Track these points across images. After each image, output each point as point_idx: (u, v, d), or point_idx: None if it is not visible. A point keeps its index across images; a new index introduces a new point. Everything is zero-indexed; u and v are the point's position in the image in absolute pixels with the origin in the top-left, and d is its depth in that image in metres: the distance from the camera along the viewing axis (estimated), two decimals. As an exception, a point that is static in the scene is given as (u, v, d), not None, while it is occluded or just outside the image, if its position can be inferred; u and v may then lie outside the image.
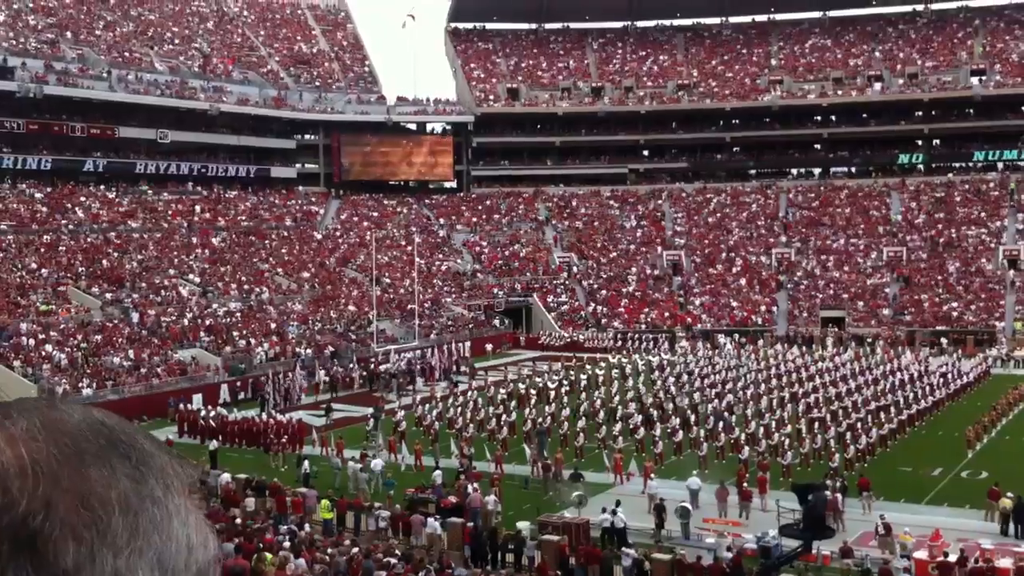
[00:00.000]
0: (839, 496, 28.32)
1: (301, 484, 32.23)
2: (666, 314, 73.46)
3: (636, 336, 68.34)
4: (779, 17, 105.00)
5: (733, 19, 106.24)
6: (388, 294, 69.68)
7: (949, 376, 49.41)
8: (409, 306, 65.32)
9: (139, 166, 78.31)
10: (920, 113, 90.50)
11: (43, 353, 47.47)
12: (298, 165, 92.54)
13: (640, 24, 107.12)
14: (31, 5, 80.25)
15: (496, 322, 72.09)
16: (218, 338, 54.73)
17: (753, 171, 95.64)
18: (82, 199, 71.65)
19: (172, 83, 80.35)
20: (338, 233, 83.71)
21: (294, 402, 48.70)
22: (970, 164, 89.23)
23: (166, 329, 54.28)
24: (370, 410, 42.58)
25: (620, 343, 66.66)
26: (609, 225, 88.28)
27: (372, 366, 55.14)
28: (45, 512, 1.03)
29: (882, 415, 39.40)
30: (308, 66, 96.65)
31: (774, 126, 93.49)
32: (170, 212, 75.06)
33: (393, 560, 23.04)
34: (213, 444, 37.74)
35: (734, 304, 73.92)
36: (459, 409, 42.42)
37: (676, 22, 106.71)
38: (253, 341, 55.38)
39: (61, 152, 74.00)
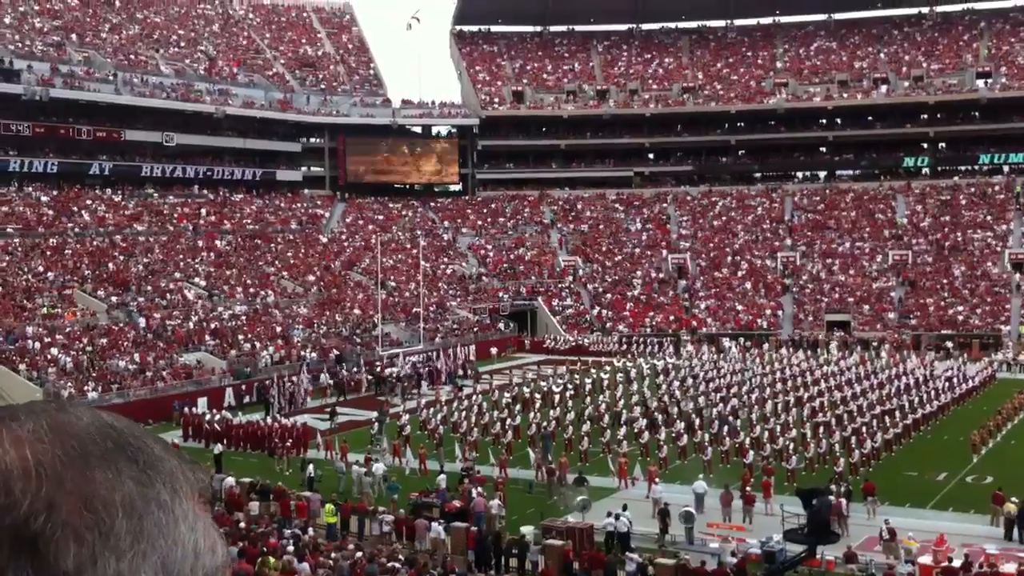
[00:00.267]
0: (844, 501, 28.28)
1: (305, 488, 32.26)
2: (671, 318, 73.42)
3: (641, 340, 68.30)
4: (784, 20, 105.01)
5: (738, 22, 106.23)
6: (393, 297, 69.72)
7: (954, 380, 49.29)
8: (414, 309, 65.33)
9: (145, 169, 78.47)
10: (926, 116, 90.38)
11: (49, 356, 47.54)
12: (303, 168, 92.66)
13: (645, 27, 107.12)
14: (37, 8, 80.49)
15: (501, 326, 72.08)
16: (223, 341, 54.79)
17: (758, 174, 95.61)
18: (88, 202, 71.78)
19: (178, 86, 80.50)
20: (343, 236, 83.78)
21: (299, 406, 48.73)
22: (976, 167, 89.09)
23: (171, 332, 54.34)
24: (374, 414, 42.58)
25: (625, 347, 66.65)
26: (614, 228, 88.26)
27: (378, 370, 55.17)
28: (47, 513, 1.02)
29: (887, 419, 39.35)
30: (313, 69, 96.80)
31: (779, 129, 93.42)
32: (176, 215, 75.17)
33: (397, 564, 23.05)
34: (218, 448, 37.80)
35: (739, 308, 73.86)
36: (464, 413, 42.41)
37: (681, 25, 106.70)
38: (258, 344, 55.43)
39: (67, 155, 74.17)
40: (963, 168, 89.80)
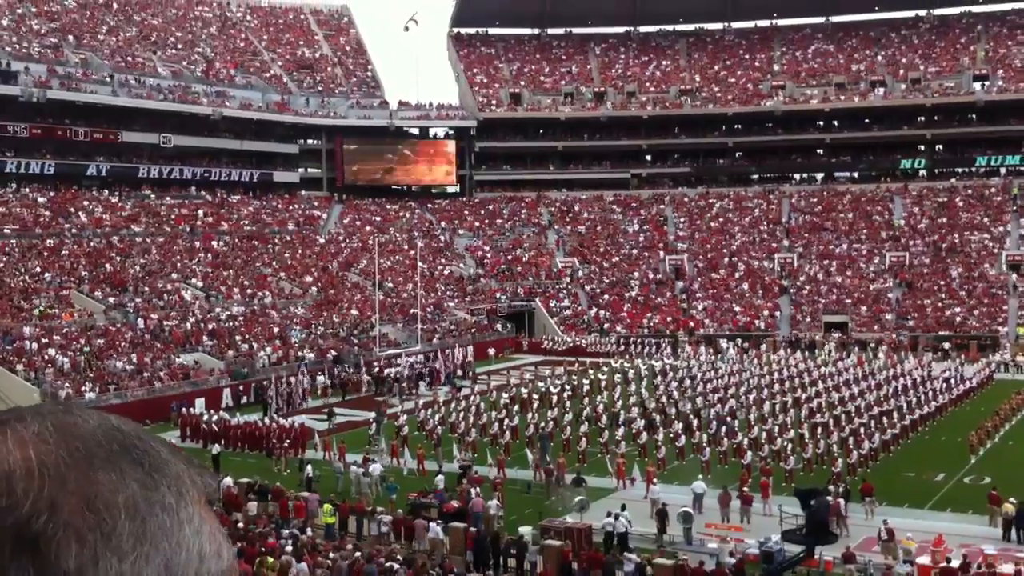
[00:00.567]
0: (842, 501, 28.29)
1: (303, 488, 32.23)
2: (669, 319, 73.45)
3: (639, 341, 68.33)
4: (781, 22, 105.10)
5: (736, 24, 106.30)
6: (391, 298, 69.69)
7: (952, 381, 49.34)
8: (412, 310, 65.33)
9: (142, 170, 78.42)
10: (923, 118, 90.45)
11: (46, 357, 47.50)
12: (301, 169, 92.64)
13: (643, 29, 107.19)
14: (34, 10, 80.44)
15: (499, 326, 72.07)
16: (221, 342, 54.75)
17: (756, 176, 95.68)
18: (85, 203, 71.72)
19: (175, 88, 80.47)
20: (341, 237, 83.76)
21: (297, 406, 48.72)
22: (973, 169, 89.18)
23: (169, 333, 54.30)
24: (372, 415, 42.54)
25: (623, 348, 66.67)
26: (612, 230, 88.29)
27: (376, 370, 55.17)
28: (49, 514, 1.02)
29: (885, 420, 39.37)
30: (311, 71, 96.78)
31: (776, 131, 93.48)
32: (173, 216, 75.11)
33: (395, 565, 23.03)
34: (216, 448, 37.79)
35: (737, 309, 73.90)
36: (461, 414, 42.40)
37: (678, 27, 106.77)
38: (256, 345, 55.40)
39: (64, 156, 74.10)
40: (960, 170, 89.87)
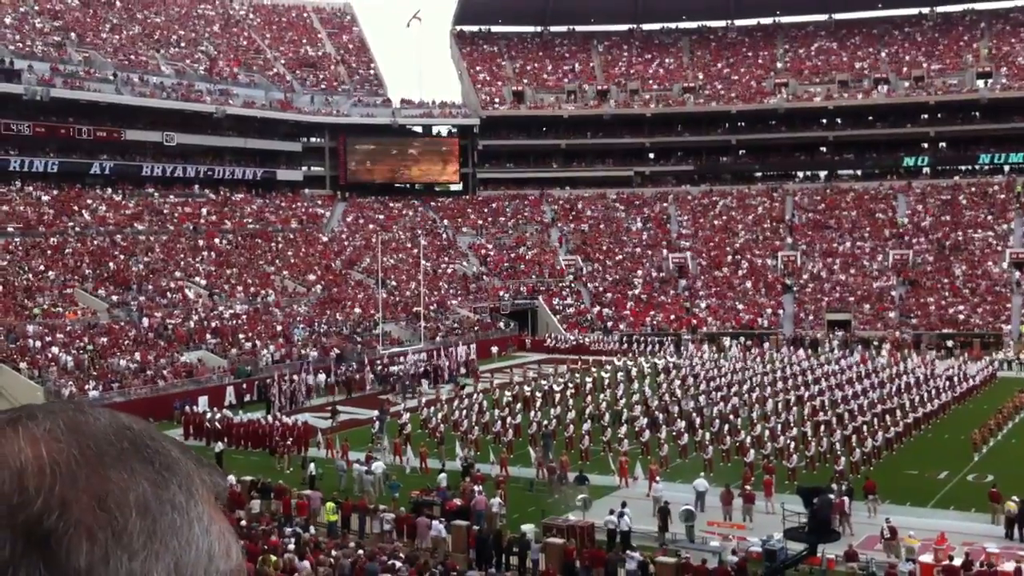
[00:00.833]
0: (846, 499, 28.29)
1: (306, 486, 32.28)
2: (672, 317, 73.42)
3: (642, 339, 68.31)
4: (785, 20, 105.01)
5: (739, 22, 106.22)
6: (394, 296, 69.72)
7: (955, 379, 49.29)
8: (415, 309, 65.35)
9: (145, 168, 78.49)
10: (926, 116, 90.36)
11: (49, 355, 47.57)
12: (304, 168, 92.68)
13: (645, 27, 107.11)
14: (37, 8, 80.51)
15: (501, 325, 72.09)
16: (224, 340, 54.81)
17: (759, 174, 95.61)
18: (88, 201, 71.79)
19: (178, 86, 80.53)
20: (344, 236, 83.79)
21: (300, 404, 48.77)
22: (976, 167, 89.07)
23: (172, 331, 54.36)
24: (375, 413, 42.59)
25: (626, 346, 66.66)
26: (615, 228, 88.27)
27: (380, 368, 55.22)
28: (60, 511, 1.03)
29: (888, 418, 39.36)
30: (314, 69, 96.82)
31: (780, 129, 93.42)
32: (176, 215, 75.18)
33: (398, 563, 23.06)
34: (219, 446, 37.85)
35: (740, 307, 73.85)
36: (464, 412, 42.42)
37: (681, 25, 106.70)
38: (259, 343, 55.44)
39: (68, 155, 74.18)
40: (963, 168, 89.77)
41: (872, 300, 72.57)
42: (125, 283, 59.85)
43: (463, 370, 58.23)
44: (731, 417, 40.26)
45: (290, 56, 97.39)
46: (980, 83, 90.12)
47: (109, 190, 74.83)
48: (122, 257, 64.25)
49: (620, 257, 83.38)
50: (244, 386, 50.20)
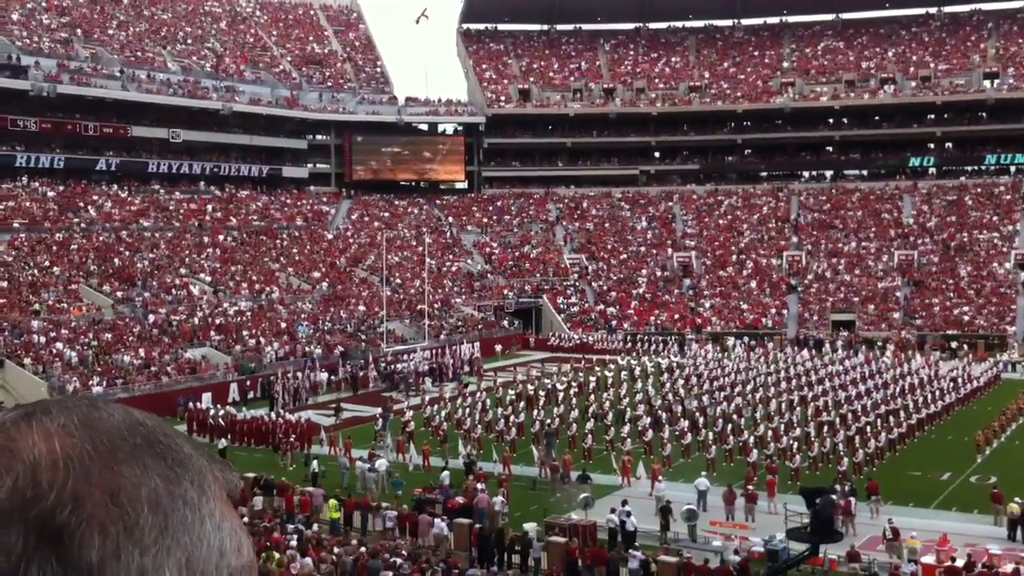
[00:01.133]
0: (852, 500, 28.28)
1: (309, 483, 32.33)
2: (676, 316, 73.39)
3: (645, 338, 68.26)
4: (792, 19, 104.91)
5: (745, 21, 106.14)
6: (398, 294, 69.78)
7: (959, 380, 49.22)
8: (419, 306, 65.39)
9: (151, 165, 78.62)
10: (932, 116, 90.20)
11: (54, 351, 47.66)
12: (309, 165, 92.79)
13: (652, 26, 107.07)
14: (45, 4, 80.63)
15: (506, 323, 72.12)
16: (228, 337, 54.88)
17: (764, 173, 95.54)
18: (94, 198, 71.93)
19: (185, 83, 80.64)
20: (349, 233, 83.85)
21: (303, 401, 48.84)
22: (982, 167, 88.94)
23: (176, 328, 54.45)
24: (379, 410, 42.65)
25: (629, 345, 66.62)
26: (620, 227, 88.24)
27: (384, 366, 55.26)
28: (73, 506, 1.03)
29: (891, 419, 39.33)
30: (320, 66, 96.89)
31: (786, 128, 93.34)
32: (182, 211, 75.30)
33: (399, 560, 23.09)
34: (222, 443, 37.91)
35: (744, 307, 73.80)
36: (467, 410, 42.45)
37: (688, 24, 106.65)
38: (263, 340, 55.50)
39: (74, 151, 74.31)
40: (969, 168, 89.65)
41: (877, 300, 72.48)
42: (130, 279, 59.95)
43: (467, 368, 58.28)
44: (734, 417, 40.24)
45: (296, 53, 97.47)
46: (987, 83, 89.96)
47: (115, 186, 74.97)
48: (127, 253, 64.36)
49: (625, 256, 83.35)
50: (248, 383, 50.25)
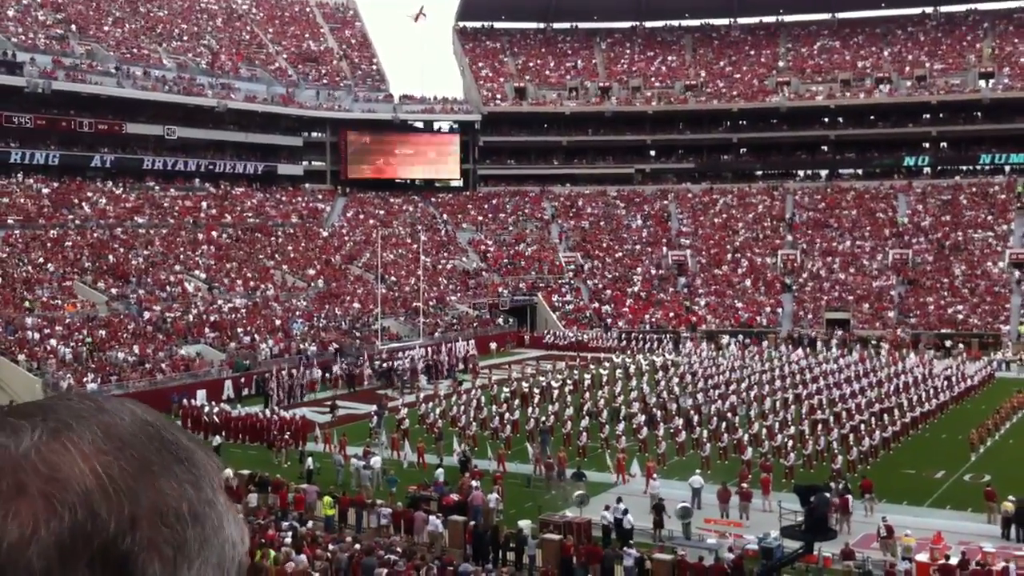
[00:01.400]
0: (850, 498, 28.33)
1: (304, 480, 32.32)
2: (671, 314, 73.43)
3: (640, 336, 68.31)
4: (787, 19, 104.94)
5: (741, 20, 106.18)
6: (393, 292, 69.72)
7: (953, 379, 49.33)
8: (414, 304, 65.37)
9: (146, 162, 78.51)
10: (928, 116, 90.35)
11: (48, 348, 47.58)
12: (305, 162, 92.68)
13: (648, 24, 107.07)
14: (40, 0, 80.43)
15: (500, 321, 72.13)
16: (223, 334, 54.81)
17: (760, 172, 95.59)
18: (89, 194, 71.83)
19: (180, 80, 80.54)
20: (344, 231, 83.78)
21: (298, 399, 48.83)
22: (977, 167, 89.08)
23: (171, 325, 54.38)
24: (374, 407, 42.64)
25: (624, 343, 66.65)
26: (615, 225, 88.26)
27: (378, 364, 55.24)
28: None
29: (886, 417, 39.41)
30: (316, 64, 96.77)
31: (781, 127, 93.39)
32: (177, 208, 75.20)
33: (394, 557, 23.08)
34: (217, 440, 37.85)
35: (739, 305, 73.86)
36: (462, 407, 42.46)
37: (684, 23, 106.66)
38: (258, 337, 55.45)
39: (69, 147, 74.21)
40: (964, 168, 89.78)
41: (871, 299, 72.56)
42: (124, 276, 59.87)
43: (461, 366, 58.30)
44: (729, 415, 40.28)
45: (292, 51, 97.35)
46: (982, 83, 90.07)
47: (110, 183, 74.87)
48: (122, 250, 64.27)
49: (620, 254, 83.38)
50: (242, 380, 50.19)
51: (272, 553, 22.90)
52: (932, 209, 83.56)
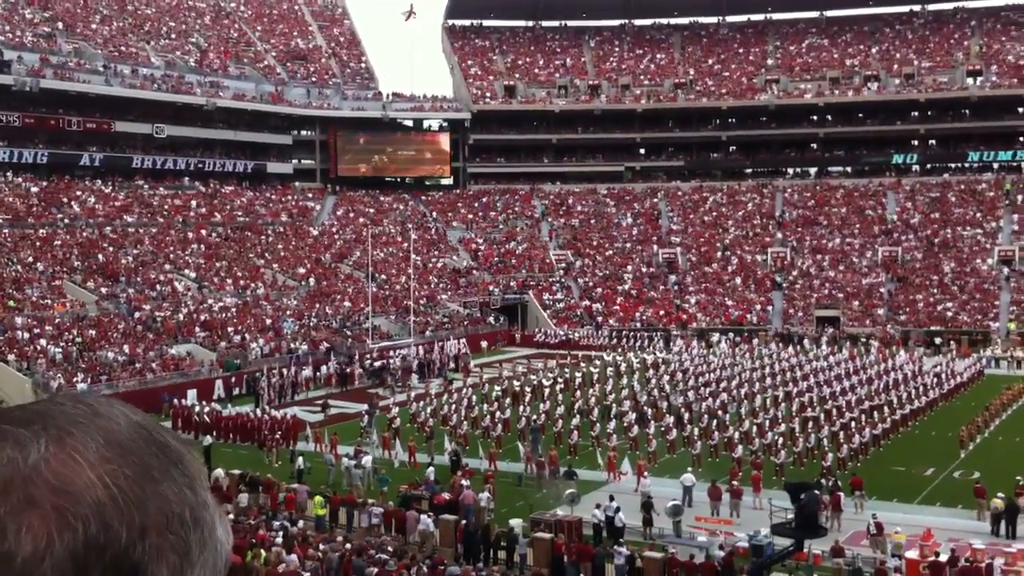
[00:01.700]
0: (841, 495, 28.41)
1: (295, 480, 32.28)
2: (661, 312, 73.52)
3: (631, 334, 68.37)
4: (776, 17, 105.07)
5: (730, 18, 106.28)
6: (384, 290, 69.68)
7: (943, 376, 49.49)
8: (405, 302, 65.33)
9: (135, 160, 78.29)
10: (916, 113, 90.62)
11: (38, 347, 47.43)
12: (294, 161, 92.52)
13: (637, 22, 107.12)
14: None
15: (491, 319, 72.12)
16: (213, 333, 54.70)
17: (749, 170, 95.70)
18: (78, 193, 71.60)
19: (168, 78, 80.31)
20: (334, 229, 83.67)
21: (290, 398, 48.77)
22: (965, 164, 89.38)
23: (161, 324, 54.25)
24: (364, 407, 42.61)
25: (615, 341, 66.70)
26: (605, 223, 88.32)
27: (368, 363, 55.18)
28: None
29: (875, 414, 39.53)
30: (305, 62, 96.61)
31: (770, 125, 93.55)
32: (166, 207, 75.01)
33: (385, 556, 23.07)
34: (207, 439, 37.77)
35: (729, 303, 73.98)
36: (453, 406, 42.46)
37: (673, 21, 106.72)
38: (248, 336, 55.36)
39: (57, 146, 73.99)
40: (953, 165, 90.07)
41: (861, 297, 72.76)
42: (114, 275, 59.70)
43: (452, 364, 58.30)
44: (719, 413, 40.37)
45: (281, 49, 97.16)
46: (970, 81, 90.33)
47: (98, 182, 74.65)
48: (111, 249, 64.09)
49: (610, 252, 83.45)
50: (233, 379, 50.11)
51: (263, 553, 22.88)
52: (921, 206, 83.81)
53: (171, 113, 79.32)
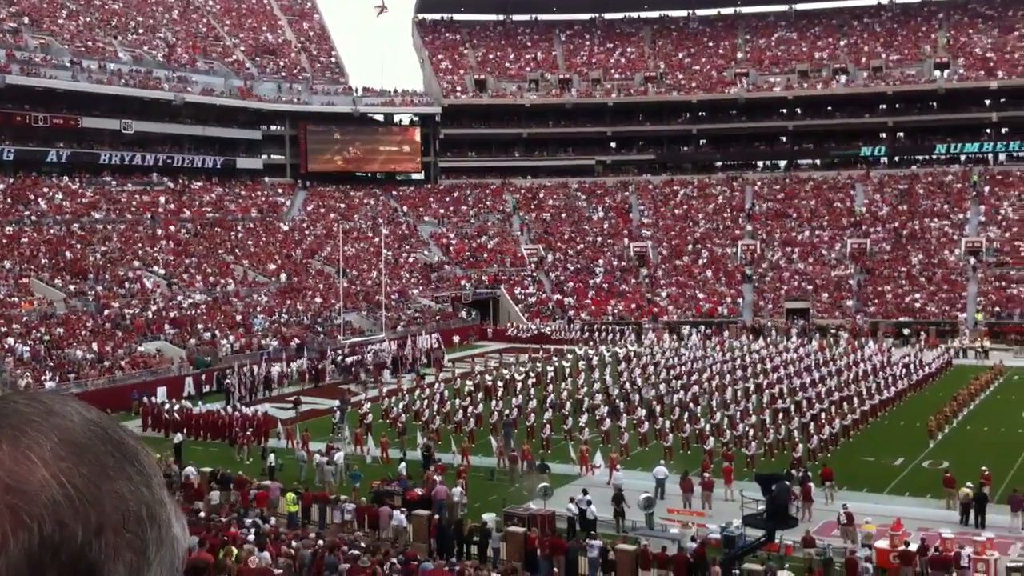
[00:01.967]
0: (812, 486, 28.59)
1: (266, 477, 32.14)
2: (633, 305, 73.73)
3: (603, 327, 68.54)
4: (745, 10, 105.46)
5: (700, 12, 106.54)
6: (355, 286, 69.46)
7: (911, 367, 49.89)
8: (376, 298, 65.15)
9: (103, 156, 77.54)
10: (884, 106, 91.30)
11: (5, 346, 46.97)
12: (264, 156, 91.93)
13: (607, 16, 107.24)
14: (-8, -7, 79.22)
15: (463, 314, 72.06)
16: (183, 330, 54.38)
17: (719, 163, 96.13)
18: (45, 190, 70.86)
19: (136, 73, 79.59)
20: (305, 225, 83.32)
21: (260, 395, 48.54)
22: (933, 157, 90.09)
23: (130, 321, 53.84)
24: (336, 403, 42.50)
25: (587, 335, 66.86)
26: (576, 216, 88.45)
27: (339, 359, 55.01)
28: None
29: (845, 405, 39.82)
30: (274, 56, 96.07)
31: (740, 118, 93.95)
32: (134, 203, 74.40)
33: (358, 552, 23.01)
34: (178, 437, 37.55)
35: (700, 296, 74.28)
36: (426, 401, 42.42)
37: (643, 14, 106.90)
38: (218, 333, 55.05)
39: (24, 142, 73.17)
40: (920, 158, 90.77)
41: (830, 289, 73.24)
42: (82, 272, 59.19)
43: (424, 360, 58.22)
44: (691, 405, 40.56)
45: (250, 43, 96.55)
46: (937, 73, 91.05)
47: (66, 178, 73.91)
48: (79, 246, 63.52)
49: (582, 246, 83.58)
50: (203, 377, 49.83)
51: (235, 551, 22.75)
52: (889, 199, 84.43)
53: (139, 108, 78.65)
